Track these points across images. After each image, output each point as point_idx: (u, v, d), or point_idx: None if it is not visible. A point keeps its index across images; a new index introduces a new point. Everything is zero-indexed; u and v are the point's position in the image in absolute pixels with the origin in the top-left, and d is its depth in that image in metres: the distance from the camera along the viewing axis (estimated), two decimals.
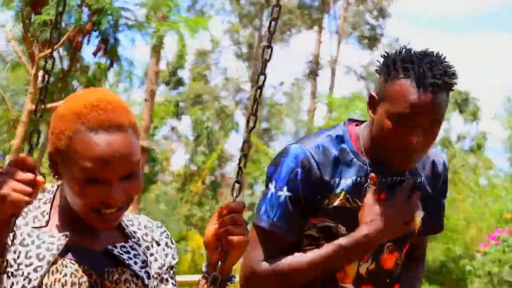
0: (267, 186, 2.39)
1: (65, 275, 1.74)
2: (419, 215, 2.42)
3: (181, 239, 17.17)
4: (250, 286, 2.41)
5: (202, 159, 26.10)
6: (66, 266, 1.76)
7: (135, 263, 1.86)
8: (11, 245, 1.65)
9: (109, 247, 1.84)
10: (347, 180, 2.34)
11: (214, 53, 32.97)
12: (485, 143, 32.23)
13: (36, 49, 8.01)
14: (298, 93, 32.63)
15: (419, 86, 2.19)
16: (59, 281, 1.74)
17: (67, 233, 1.79)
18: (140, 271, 1.85)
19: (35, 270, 1.73)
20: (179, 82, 31.49)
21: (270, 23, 1.84)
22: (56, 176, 1.82)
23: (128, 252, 1.86)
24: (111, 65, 9.02)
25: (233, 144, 34.18)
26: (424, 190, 2.47)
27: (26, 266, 1.73)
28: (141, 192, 17.76)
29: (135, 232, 1.93)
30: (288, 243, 2.35)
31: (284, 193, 2.32)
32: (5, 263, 1.63)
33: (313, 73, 31.04)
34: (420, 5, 65.69)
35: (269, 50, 1.85)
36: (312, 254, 2.33)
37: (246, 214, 24.95)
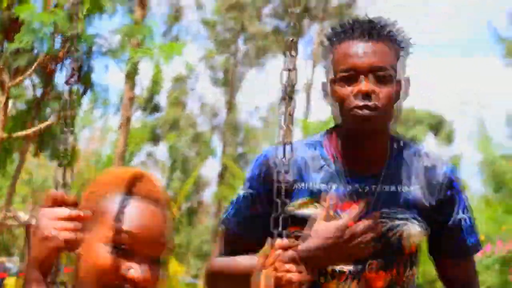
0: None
1: None
2: (408, 231, 2.20)
3: None
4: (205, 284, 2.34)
5: (178, 185, 26.10)
6: None
7: None
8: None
9: None
10: (315, 186, 2.18)
11: (190, 79, 33.07)
12: (460, 165, 32.46)
13: (7, 78, 8.01)
14: (273, 118, 32.74)
15: (349, 38, 2.18)
16: None
17: None
18: None
19: None
20: (156, 108, 31.49)
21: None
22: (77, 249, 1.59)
23: None
24: (85, 92, 9.03)
25: (209, 169, 34.21)
26: (414, 200, 2.22)
27: None
28: None
29: None
30: (245, 246, 2.16)
31: (244, 191, 2.23)
32: None
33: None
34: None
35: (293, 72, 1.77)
36: (243, 259, 2.14)
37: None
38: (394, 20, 2.22)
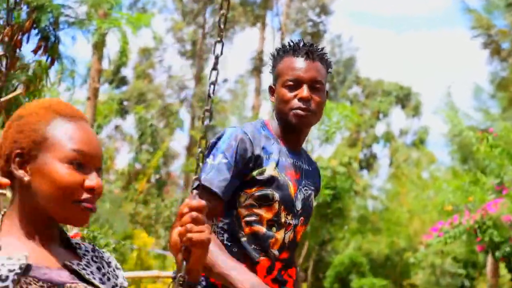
0: (205, 160, 2.72)
1: None
2: (314, 197, 3.00)
3: (126, 237, 17.07)
4: None
5: (147, 157, 26.01)
6: (30, 284, 1.71)
7: (94, 278, 1.85)
8: None
9: (67, 262, 1.82)
10: (275, 156, 2.83)
11: (158, 51, 32.85)
12: (427, 137, 32.74)
13: None
14: (242, 90, 32.70)
15: (296, 55, 2.87)
16: None
17: (27, 253, 1.75)
18: (103, 286, 1.85)
19: None
20: (123, 81, 31.29)
21: (220, 18, 1.97)
22: (25, 177, 1.80)
23: (85, 269, 1.85)
24: (52, 63, 8.89)
25: (178, 141, 34.11)
26: (316, 176, 3.06)
27: None
28: None
29: (84, 254, 1.93)
30: (215, 206, 2.66)
31: (220, 159, 2.71)
32: None
33: (257, 70, 31.13)
34: (364, 4, 66.32)
35: (220, 45, 1.95)
36: (239, 272, 2.56)
37: None
38: (324, 48, 2.95)
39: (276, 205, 2.80)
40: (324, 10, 32.08)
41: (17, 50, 8.52)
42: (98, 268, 1.92)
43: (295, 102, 2.82)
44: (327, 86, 2.96)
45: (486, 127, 16.31)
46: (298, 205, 2.89)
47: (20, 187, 1.82)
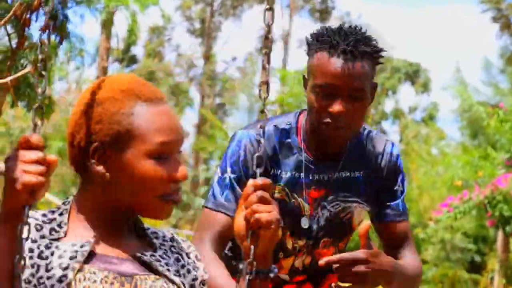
0: (216, 173, 2.46)
1: (95, 281, 1.56)
2: (357, 212, 2.54)
3: None
4: None
5: None
6: (95, 273, 1.57)
7: (168, 271, 1.68)
8: (26, 240, 1.44)
9: (138, 254, 1.67)
10: (286, 173, 2.43)
11: (167, 30, 32.82)
12: (437, 113, 32.65)
13: None
14: (251, 68, 32.64)
15: (332, 55, 2.26)
16: None
17: (91, 239, 1.62)
18: (177, 279, 1.68)
19: (59, 280, 1.53)
20: (133, 59, 31.27)
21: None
22: (106, 172, 1.63)
23: (159, 261, 1.69)
24: (61, 42, 8.90)
25: (188, 120, 34.11)
26: (363, 183, 2.51)
27: (48, 278, 1.54)
28: None
29: (162, 244, 1.76)
30: (230, 226, 2.17)
31: (229, 174, 2.39)
32: (22, 261, 1.43)
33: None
34: None
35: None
36: None
37: (203, 189, 24.89)
38: (372, 37, 2.33)
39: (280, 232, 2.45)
40: None
41: (26, 29, 8.54)
42: (177, 259, 1.75)
43: (325, 115, 2.29)
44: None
45: (496, 102, 16.27)
46: (316, 227, 2.50)
47: (95, 180, 1.65)
